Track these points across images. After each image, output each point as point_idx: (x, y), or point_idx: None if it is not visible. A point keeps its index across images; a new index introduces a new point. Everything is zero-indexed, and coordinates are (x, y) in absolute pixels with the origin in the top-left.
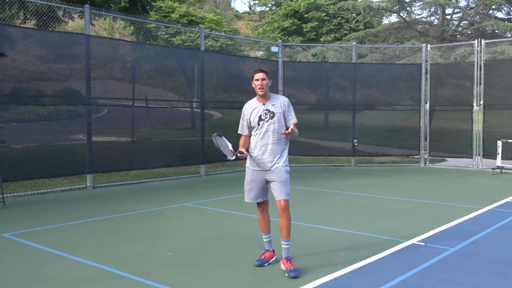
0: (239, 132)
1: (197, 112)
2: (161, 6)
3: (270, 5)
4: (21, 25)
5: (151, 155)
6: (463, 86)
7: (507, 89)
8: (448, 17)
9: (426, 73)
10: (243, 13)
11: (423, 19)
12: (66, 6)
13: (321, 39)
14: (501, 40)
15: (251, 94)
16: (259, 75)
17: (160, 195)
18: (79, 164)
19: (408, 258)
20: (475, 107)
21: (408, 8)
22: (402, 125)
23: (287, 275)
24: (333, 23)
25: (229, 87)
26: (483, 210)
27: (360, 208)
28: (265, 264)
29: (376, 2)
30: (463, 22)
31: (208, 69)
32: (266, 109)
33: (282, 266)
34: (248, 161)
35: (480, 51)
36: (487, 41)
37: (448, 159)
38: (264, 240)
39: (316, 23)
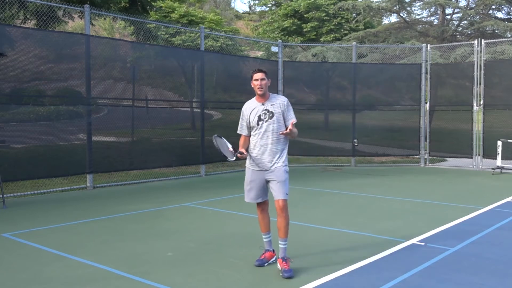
0: (238, 132)
1: (197, 112)
2: (161, 6)
3: (270, 5)
4: (21, 25)
5: (151, 155)
6: (463, 86)
7: (507, 89)
8: (448, 17)
9: (426, 73)
10: (243, 13)
11: (423, 19)
12: (66, 6)
13: (321, 39)
14: (501, 40)
15: (251, 94)
16: (258, 75)
17: (160, 195)
18: (79, 164)
19: (408, 258)
20: (475, 107)
21: (408, 8)
22: (402, 125)
23: (281, 275)
24: (333, 23)
25: (229, 87)
26: (483, 210)
27: (360, 208)
28: (265, 264)
29: (376, 2)
30: (463, 22)
31: (208, 69)
32: (265, 109)
33: (278, 266)
34: (247, 161)
35: (480, 51)
36: (487, 41)
37: (448, 159)
38: (264, 240)
39: (316, 23)
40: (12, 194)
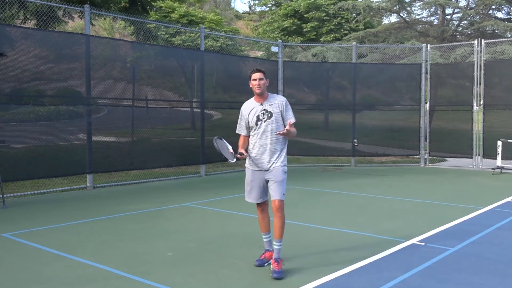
0: (237, 132)
1: (197, 112)
2: (161, 6)
3: (270, 5)
4: (21, 25)
5: (151, 155)
6: (463, 86)
7: (507, 89)
8: (448, 17)
9: (426, 73)
10: (243, 13)
11: (423, 19)
12: (66, 6)
13: (321, 39)
14: (501, 40)
15: (251, 94)
16: (256, 75)
17: (160, 195)
18: (79, 164)
19: (408, 258)
20: (475, 107)
21: (408, 8)
22: (402, 125)
23: (271, 275)
24: (333, 23)
25: (229, 87)
26: (483, 210)
27: (360, 208)
28: (265, 264)
29: (376, 2)
30: (463, 22)
31: (208, 69)
32: (264, 109)
33: (271, 266)
34: (247, 161)
35: (480, 51)
36: (487, 41)
37: (448, 159)
38: (264, 240)
39: (316, 23)
40: (12, 194)
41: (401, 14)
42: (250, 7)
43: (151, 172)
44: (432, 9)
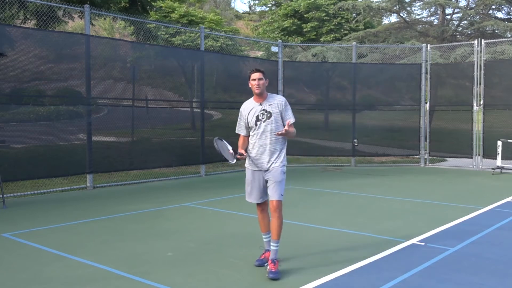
0: (236, 132)
1: (197, 112)
2: (161, 6)
3: (270, 5)
4: (21, 25)
5: (151, 155)
6: (463, 86)
7: (507, 89)
8: (448, 17)
9: (426, 73)
10: (243, 13)
11: (423, 19)
12: (66, 6)
13: (321, 39)
14: (501, 40)
15: (251, 94)
16: (255, 75)
17: (160, 195)
18: (79, 164)
19: (408, 258)
20: (475, 107)
21: (408, 8)
22: (402, 125)
23: (267, 275)
24: (333, 23)
25: (229, 87)
26: (483, 210)
27: (360, 208)
28: (265, 264)
29: (376, 2)
30: (463, 22)
31: (208, 69)
32: (263, 109)
33: (268, 267)
34: (247, 161)
35: (480, 51)
36: (487, 41)
37: (448, 159)
38: (264, 240)
39: (316, 23)
40: (12, 194)
41: (401, 14)
42: (250, 7)
43: (151, 172)
44: (432, 9)
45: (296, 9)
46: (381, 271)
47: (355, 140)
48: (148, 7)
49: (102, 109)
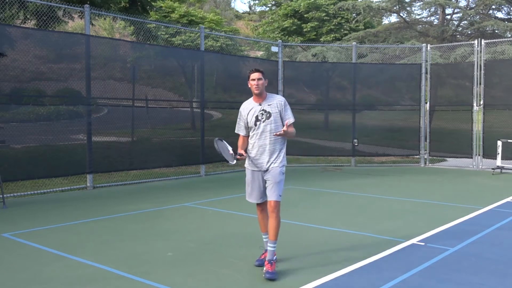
0: (236, 131)
1: (197, 112)
2: (161, 6)
3: (270, 5)
4: (21, 25)
5: (151, 155)
6: (463, 86)
7: (507, 89)
8: (448, 17)
9: (426, 73)
10: (243, 13)
11: (423, 19)
12: (66, 6)
13: (321, 39)
14: (501, 40)
15: (251, 94)
16: (255, 75)
17: (160, 195)
18: (79, 164)
19: (408, 258)
20: (475, 107)
21: (408, 8)
22: (402, 125)
23: (263, 275)
24: (333, 23)
25: (229, 87)
26: (483, 210)
27: (360, 208)
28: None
29: (376, 2)
30: (463, 22)
31: (208, 69)
32: (263, 109)
33: (264, 268)
34: (246, 161)
35: (480, 51)
36: (487, 41)
37: (448, 159)
38: (264, 240)
39: (316, 23)
40: (12, 194)
41: (401, 14)
42: (250, 7)
43: (151, 172)
44: (432, 9)
45: (296, 9)
46: (381, 271)
47: (355, 140)
48: (148, 7)
49: (102, 109)
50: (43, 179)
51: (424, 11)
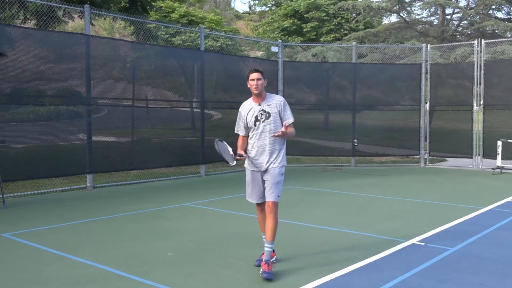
0: (235, 131)
1: (197, 112)
2: (161, 6)
3: (270, 5)
4: (21, 25)
5: (151, 155)
6: (463, 86)
7: (507, 89)
8: (448, 17)
9: (426, 73)
10: (243, 13)
11: (423, 19)
12: (66, 6)
13: (321, 39)
14: (501, 40)
15: (251, 94)
16: (254, 75)
17: (160, 195)
18: (79, 164)
19: (408, 258)
20: (475, 107)
21: (408, 8)
22: (402, 125)
23: (260, 275)
24: (333, 23)
25: (229, 87)
26: (483, 210)
27: (360, 208)
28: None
29: (376, 2)
30: (463, 22)
31: (208, 69)
32: (262, 110)
33: (261, 268)
34: (246, 161)
35: (480, 51)
36: (487, 41)
37: (448, 159)
38: (264, 239)
39: (316, 23)
40: (12, 194)
41: (401, 14)
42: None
43: (151, 172)
44: (432, 9)
45: (296, 9)
46: (381, 271)
47: (355, 140)
48: (148, 7)
49: (102, 109)
50: (43, 179)
51: (424, 11)
